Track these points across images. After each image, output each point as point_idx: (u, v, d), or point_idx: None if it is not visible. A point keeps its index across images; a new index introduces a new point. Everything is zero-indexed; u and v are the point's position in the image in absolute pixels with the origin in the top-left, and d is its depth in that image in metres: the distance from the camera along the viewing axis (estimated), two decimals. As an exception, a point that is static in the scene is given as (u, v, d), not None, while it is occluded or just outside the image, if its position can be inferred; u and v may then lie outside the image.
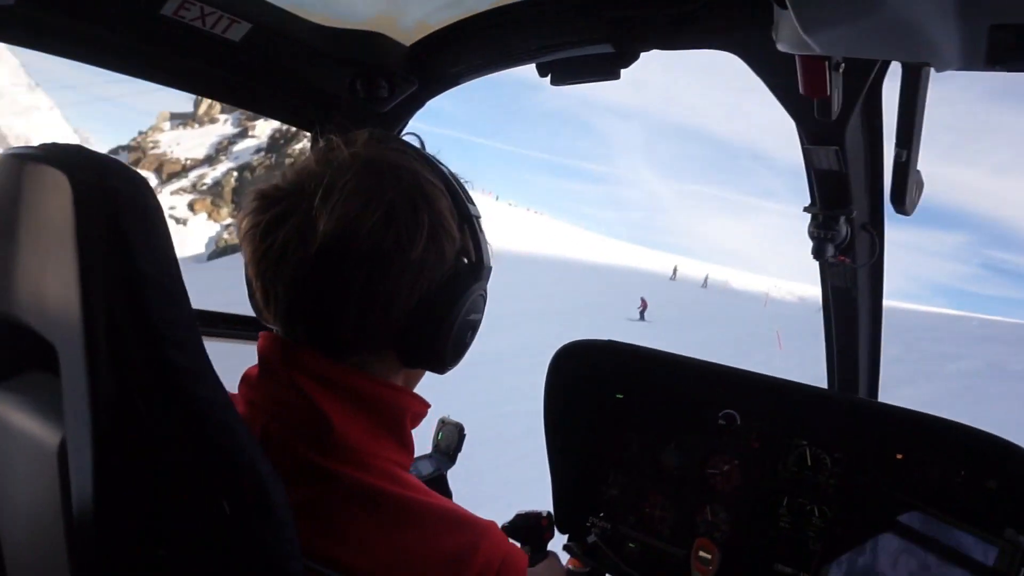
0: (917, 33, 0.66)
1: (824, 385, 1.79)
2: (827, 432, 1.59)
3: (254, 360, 0.81)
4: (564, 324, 23.86)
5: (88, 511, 0.54)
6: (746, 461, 1.70)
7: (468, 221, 0.82)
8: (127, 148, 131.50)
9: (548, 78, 1.41)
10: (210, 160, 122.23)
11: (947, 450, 1.43)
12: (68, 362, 0.56)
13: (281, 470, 0.66)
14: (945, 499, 1.40)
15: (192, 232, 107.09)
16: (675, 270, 58.94)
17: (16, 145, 0.70)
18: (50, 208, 0.56)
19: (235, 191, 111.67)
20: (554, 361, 1.90)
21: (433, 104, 1.69)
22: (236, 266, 0.88)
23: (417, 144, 0.87)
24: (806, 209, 1.41)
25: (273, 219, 0.74)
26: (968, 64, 0.71)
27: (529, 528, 1.68)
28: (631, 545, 1.82)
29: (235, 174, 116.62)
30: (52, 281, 0.57)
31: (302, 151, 1.89)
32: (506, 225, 68.20)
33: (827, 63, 0.93)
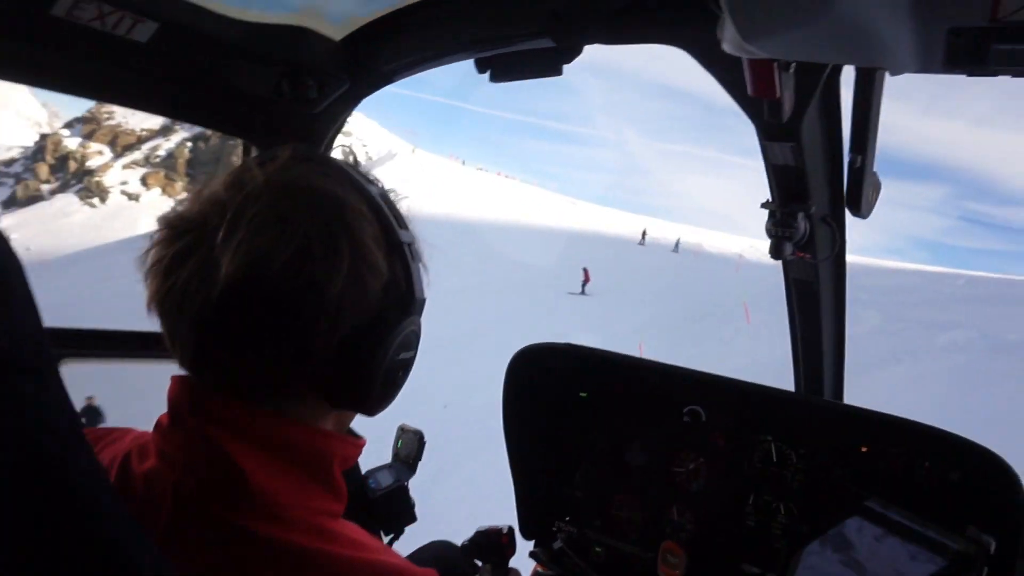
0: (869, 37, 0.64)
1: (791, 376, 1.77)
2: (792, 428, 1.60)
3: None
4: (501, 302, 20.72)
5: None
6: (712, 458, 1.71)
7: (398, 250, 0.76)
8: (82, 120, 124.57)
9: (488, 75, 1.34)
10: (165, 131, 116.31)
11: (911, 444, 1.45)
12: None
13: (194, 531, 0.65)
14: (909, 492, 1.44)
15: (145, 209, 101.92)
16: (644, 234, 54.90)
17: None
18: None
19: (189, 163, 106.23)
20: (512, 365, 1.89)
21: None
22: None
23: (350, 159, 0.87)
24: (763, 205, 1.37)
25: (175, 256, 0.68)
26: (925, 67, 0.70)
27: (490, 545, 1.64)
28: (598, 549, 1.83)
29: (189, 144, 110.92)
30: None
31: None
32: (469, 191, 64.55)
33: (775, 64, 0.87)
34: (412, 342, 0.79)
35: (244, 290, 0.65)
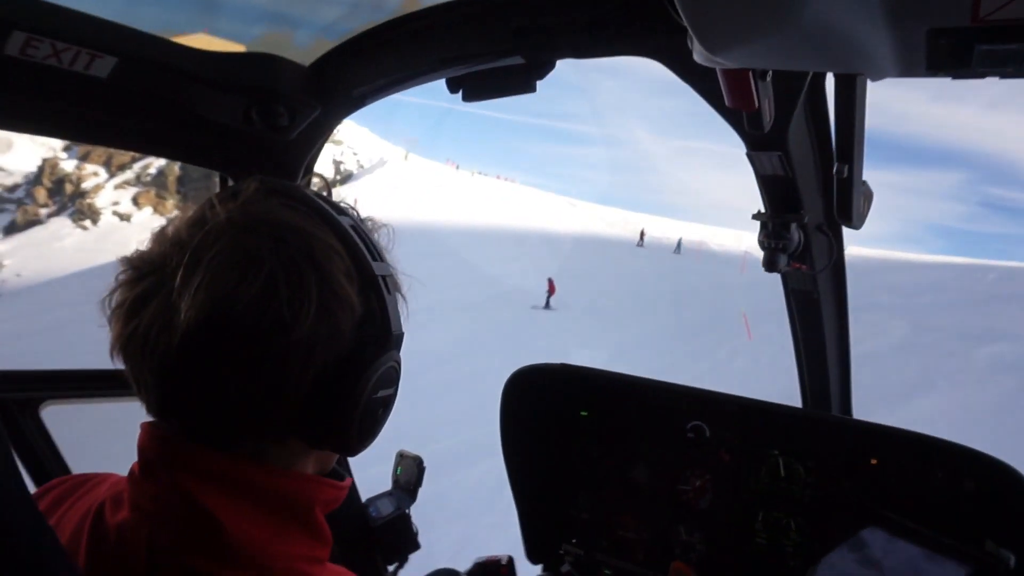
0: (843, 42, 0.62)
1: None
2: (799, 442, 1.58)
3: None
4: (451, 326, 17.61)
5: None
6: (718, 475, 1.70)
7: (372, 283, 0.73)
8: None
9: (460, 94, 1.33)
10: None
11: (921, 456, 1.44)
12: None
13: None
14: (922, 504, 1.42)
15: (136, 229, 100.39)
16: (642, 235, 51.32)
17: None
18: None
19: (179, 180, 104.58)
20: (508, 387, 1.89)
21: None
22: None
23: (324, 189, 0.80)
24: (755, 216, 1.34)
25: (136, 299, 0.67)
26: (907, 71, 0.68)
27: None
28: (606, 572, 1.82)
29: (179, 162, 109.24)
30: None
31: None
32: (460, 197, 61.51)
33: (751, 73, 0.84)
34: (391, 378, 0.77)
35: (206, 334, 0.64)
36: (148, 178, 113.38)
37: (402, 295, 0.81)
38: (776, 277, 1.52)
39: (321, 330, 0.68)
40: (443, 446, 8.81)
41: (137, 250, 0.71)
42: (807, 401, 1.73)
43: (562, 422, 1.88)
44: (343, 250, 0.72)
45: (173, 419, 0.71)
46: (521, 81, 1.26)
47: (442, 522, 6.98)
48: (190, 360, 0.65)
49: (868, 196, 1.12)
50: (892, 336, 17.96)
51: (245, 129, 1.39)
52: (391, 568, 1.71)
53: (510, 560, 1.68)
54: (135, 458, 0.73)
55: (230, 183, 1.51)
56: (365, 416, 0.74)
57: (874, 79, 0.77)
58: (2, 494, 0.46)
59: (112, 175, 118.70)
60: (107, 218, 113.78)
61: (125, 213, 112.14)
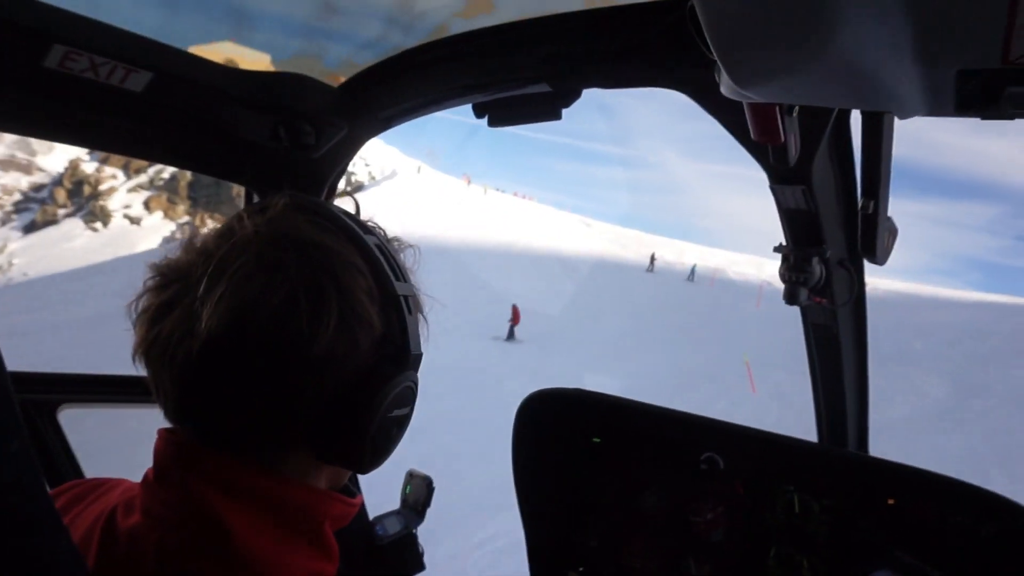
0: (872, 80, 0.62)
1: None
2: (815, 479, 1.56)
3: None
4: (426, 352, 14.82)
5: None
6: (730, 508, 1.67)
7: (393, 303, 0.75)
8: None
9: (485, 120, 1.36)
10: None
11: (940, 498, 1.41)
12: None
13: None
14: (939, 547, 1.40)
15: (146, 233, 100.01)
16: (652, 259, 48.12)
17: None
18: None
19: (191, 185, 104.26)
20: (522, 409, 1.89)
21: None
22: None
23: (351, 206, 0.82)
24: (777, 249, 1.35)
25: (161, 305, 0.69)
26: (936, 111, 0.68)
27: None
28: None
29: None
30: None
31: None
32: (469, 212, 58.93)
33: (778, 108, 0.86)
34: (407, 399, 0.78)
35: (226, 344, 0.65)
36: (161, 182, 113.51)
37: (423, 316, 0.82)
38: (793, 313, 1.52)
39: (339, 346, 0.69)
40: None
41: (166, 257, 0.73)
42: (823, 436, 1.70)
43: (574, 448, 1.87)
44: (367, 269, 0.73)
45: (189, 425, 0.72)
46: (547, 108, 1.27)
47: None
48: (209, 368, 0.67)
49: (893, 232, 1.11)
50: (930, 399, 15.03)
51: (272, 146, 1.42)
52: None
53: None
54: (148, 465, 0.74)
55: (255, 198, 1.55)
56: (379, 434, 0.74)
57: (902, 117, 0.77)
58: (23, 491, 0.47)
59: (129, 179, 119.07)
60: (117, 221, 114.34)
61: (136, 216, 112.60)
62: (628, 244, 60.83)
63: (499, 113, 1.34)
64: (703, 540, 1.68)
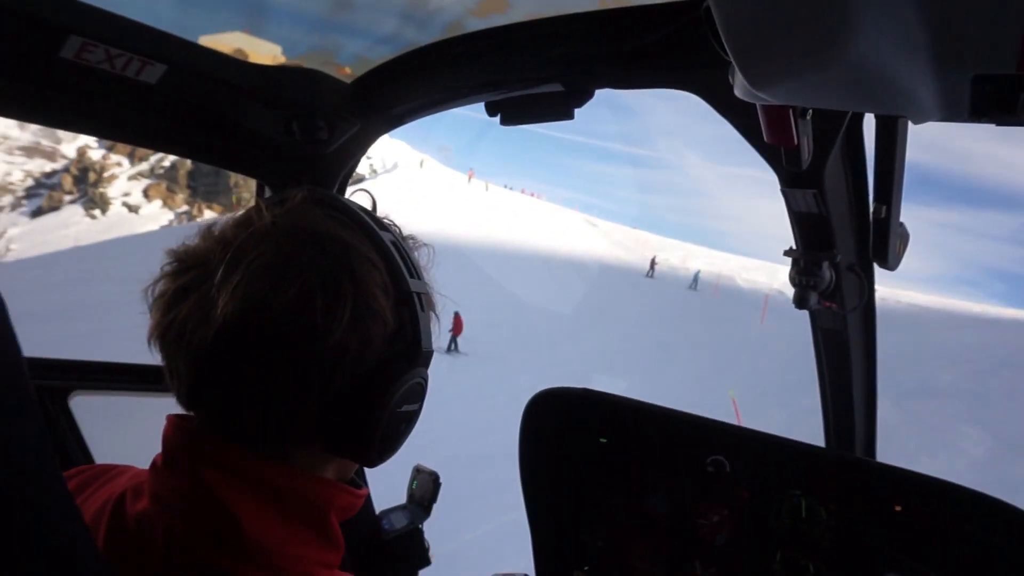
0: (887, 84, 0.63)
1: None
2: (822, 483, 1.57)
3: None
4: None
5: None
6: (736, 511, 1.68)
7: (407, 299, 0.76)
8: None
9: (498, 118, 1.37)
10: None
11: (949, 506, 1.41)
12: None
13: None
14: (948, 557, 1.40)
15: (143, 221, 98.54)
16: (653, 264, 44.65)
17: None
18: None
19: (191, 174, 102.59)
20: (529, 408, 1.91)
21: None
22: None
23: (368, 202, 0.84)
24: (787, 253, 1.36)
25: (177, 291, 0.70)
26: (950, 116, 0.68)
27: None
28: None
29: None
30: None
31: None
32: (467, 207, 55.99)
33: (792, 111, 0.87)
34: (417, 394, 0.79)
35: (240, 331, 0.66)
36: (162, 170, 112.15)
37: (435, 314, 0.83)
38: (801, 330, 1.53)
39: (352, 340, 0.69)
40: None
41: (183, 244, 0.74)
42: (831, 441, 1.71)
43: (581, 448, 1.88)
44: (382, 264, 0.74)
45: (201, 411, 0.73)
46: (559, 108, 1.28)
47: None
48: (223, 355, 0.67)
49: (904, 238, 1.11)
50: (966, 458, 11.88)
51: (285, 141, 1.44)
52: None
53: None
54: (157, 451, 0.75)
55: (267, 191, 1.57)
56: (388, 428, 0.75)
57: (916, 123, 0.77)
58: (38, 475, 0.47)
59: (134, 166, 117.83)
60: (116, 208, 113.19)
61: (134, 204, 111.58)
62: (632, 247, 57.65)
63: (511, 112, 1.34)
64: (708, 543, 1.69)
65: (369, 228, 0.75)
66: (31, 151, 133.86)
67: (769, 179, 1.26)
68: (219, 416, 0.72)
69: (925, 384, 17.60)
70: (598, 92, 1.27)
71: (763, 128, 0.88)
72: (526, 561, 1.98)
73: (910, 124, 0.87)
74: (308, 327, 0.66)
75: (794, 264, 1.33)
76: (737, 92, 0.69)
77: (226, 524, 0.67)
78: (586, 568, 1.86)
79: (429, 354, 0.80)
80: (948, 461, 12.01)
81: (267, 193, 1.56)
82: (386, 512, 1.74)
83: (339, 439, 0.73)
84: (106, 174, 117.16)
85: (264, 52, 1.35)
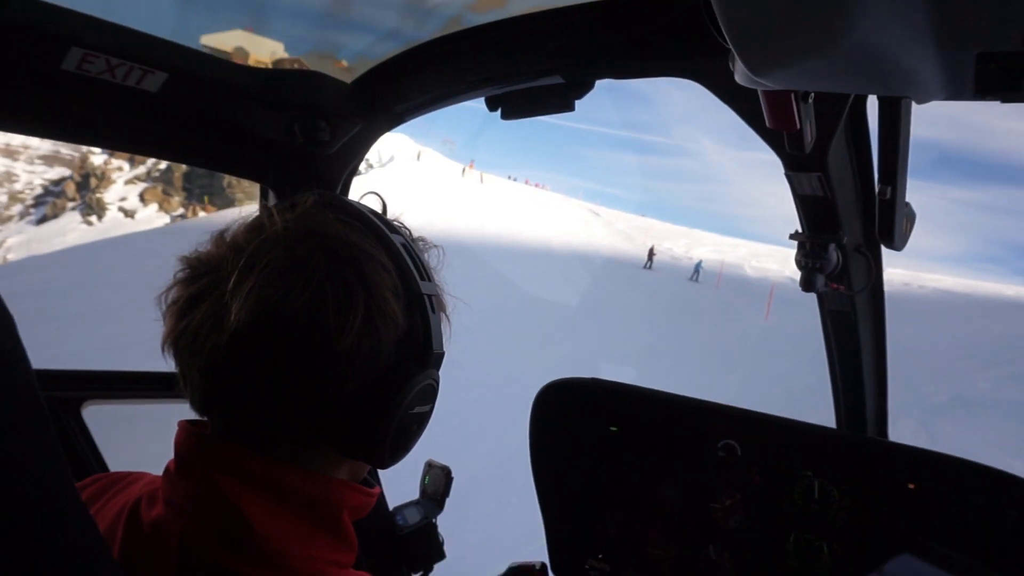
0: (890, 65, 0.62)
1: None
2: (834, 464, 1.59)
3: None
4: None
5: None
6: (749, 495, 1.70)
7: (417, 301, 0.77)
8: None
9: (498, 113, 1.38)
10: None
11: (962, 481, 1.43)
12: None
13: None
14: (962, 532, 1.41)
15: (138, 226, 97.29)
16: (651, 254, 40.63)
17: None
18: None
19: (185, 176, 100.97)
20: (539, 398, 1.92)
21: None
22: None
23: (378, 205, 0.85)
24: (792, 236, 1.36)
25: (190, 297, 0.71)
26: (954, 95, 0.69)
27: None
28: None
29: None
30: None
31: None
32: (463, 198, 52.72)
33: (793, 95, 0.86)
34: (428, 396, 0.80)
35: (254, 336, 0.67)
36: (158, 173, 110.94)
37: (446, 316, 0.84)
38: (815, 328, 1.53)
39: (364, 343, 0.70)
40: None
41: (195, 250, 0.75)
42: (841, 422, 1.72)
43: (591, 437, 1.90)
44: (392, 267, 0.75)
45: (215, 415, 0.74)
46: (560, 100, 1.28)
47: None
48: (236, 360, 0.68)
49: (911, 218, 1.10)
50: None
51: (287, 143, 1.45)
52: None
53: (544, 566, 1.71)
54: (168, 459, 0.77)
55: (270, 194, 1.59)
56: (400, 430, 0.76)
57: (920, 102, 0.77)
58: (51, 485, 0.48)
59: (133, 167, 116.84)
60: (112, 214, 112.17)
61: (130, 209, 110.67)
62: (635, 235, 54.17)
63: (512, 106, 1.34)
64: (722, 527, 1.71)
65: (380, 231, 0.76)
66: (51, 159, 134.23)
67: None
68: (232, 420, 0.73)
69: (957, 395, 14.14)
70: (611, 80, 1.27)
71: (765, 113, 0.87)
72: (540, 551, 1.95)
73: (914, 104, 0.84)
74: (320, 331, 0.67)
75: (800, 247, 1.33)
76: (738, 78, 0.69)
77: (238, 527, 0.68)
78: (600, 556, 1.87)
79: (440, 356, 0.80)
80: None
81: (271, 196, 1.59)
82: (399, 508, 1.76)
83: (351, 441, 0.74)
84: (108, 179, 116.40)
85: (265, 50, 1.42)
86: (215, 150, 1.46)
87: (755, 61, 0.59)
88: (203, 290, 0.70)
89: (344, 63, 1.44)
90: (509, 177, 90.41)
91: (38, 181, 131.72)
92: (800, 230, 1.34)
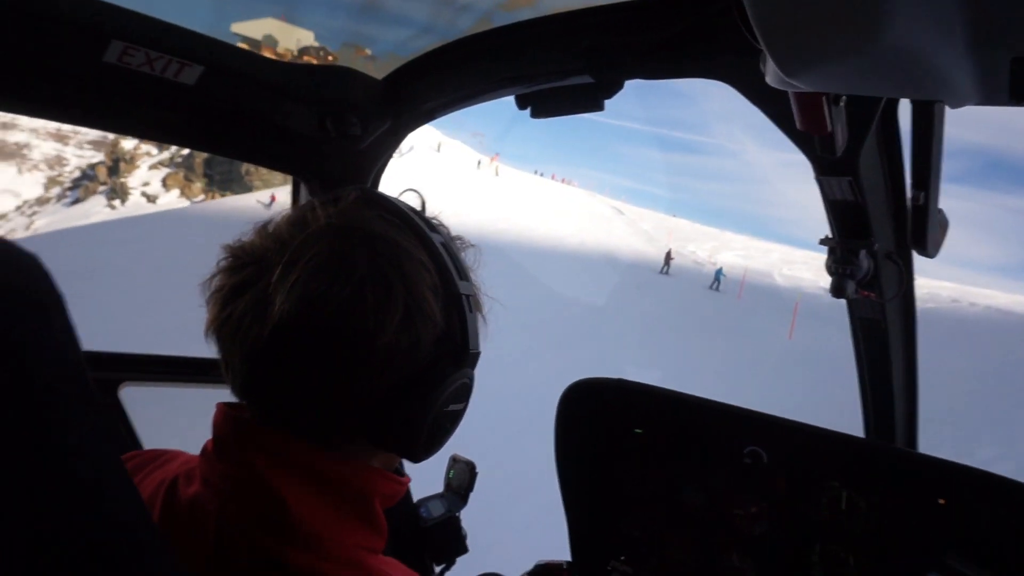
0: (923, 69, 0.62)
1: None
2: (862, 475, 1.56)
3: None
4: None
5: None
6: (774, 503, 1.68)
7: (455, 301, 0.78)
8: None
9: (528, 111, 1.38)
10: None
11: (996, 499, 1.38)
12: None
13: (236, 559, 0.69)
14: (994, 553, 1.37)
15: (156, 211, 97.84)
16: (668, 258, 38.36)
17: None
18: None
19: (207, 163, 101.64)
20: (564, 399, 1.92)
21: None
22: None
23: (418, 202, 0.85)
24: (822, 241, 1.36)
25: (234, 286, 0.73)
26: (988, 99, 0.68)
27: None
28: None
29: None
30: None
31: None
32: (480, 193, 52.16)
33: (825, 97, 0.86)
34: (463, 394, 0.81)
35: (295, 329, 0.68)
36: (180, 159, 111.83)
37: (483, 315, 0.84)
38: (836, 343, 1.50)
39: (403, 340, 0.71)
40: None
41: (239, 240, 0.76)
42: (870, 432, 1.69)
43: (616, 438, 1.90)
44: (432, 266, 0.75)
45: (255, 401, 0.75)
46: (589, 100, 1.28)
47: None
48: (277, 350, 0.70)
49: (943, 225, 1.10)
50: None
51: (319, 137, 1.48)
52: (438, 569, 1.75)
53: (570, 565, 1.75)
54: (200, 441, 0.79)
55: (302, 187, 1.63)
56: (434, 427, 0.77)
57: (953, 107, 0.76)
58: (97, 458, 0.50)
59: (160, 151, 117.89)
60: (135, 198, 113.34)
61: (152, 194, 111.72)
62: (659, 236, 52.41)
63: (541, 105, 1.35)
64: (746, 534, 1.70)
65: (420, 229, 0.77)
66: (99, 144, 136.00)
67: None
68: (270, 407, 0.74)
69: (1010, 447, 12.63)
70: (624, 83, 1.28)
71: (795, 115, 0.86)
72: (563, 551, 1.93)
73: (952, 109, 0.83)
74: (360, 327, 0.68)
75: (831, 252, 1.32)
76: (768, 79, 0.69)
77: (274, 507, 0.70)
78: (623, 558, 1.87)
79: (476, 355, 0.81)
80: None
81: (303, 189, 1.62)
82: (423, 501, 1.77)
83: (386, 435, 0.75)
84: (138, 163, 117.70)
85: (297, 51, 1.51)
86: (249, 143, 1.49)
87: (787, 62, 0.59)
88: (247, 280, 0.71)
89: (374, 58, 1.48)
90: (535, 172, 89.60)
91: (84, 164, 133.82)
92: (830, 235, 1.34)
